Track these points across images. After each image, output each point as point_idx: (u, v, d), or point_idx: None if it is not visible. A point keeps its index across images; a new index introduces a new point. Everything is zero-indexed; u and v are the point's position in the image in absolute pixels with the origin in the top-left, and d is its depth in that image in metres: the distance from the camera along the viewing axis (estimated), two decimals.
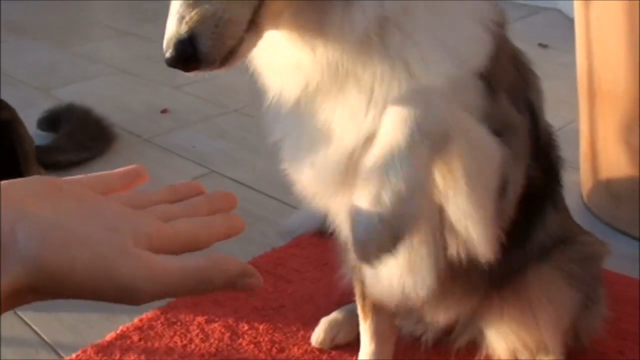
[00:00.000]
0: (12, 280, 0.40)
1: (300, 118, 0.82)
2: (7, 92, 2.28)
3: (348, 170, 0.79)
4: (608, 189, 1.63)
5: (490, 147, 0.78)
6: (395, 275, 0.93)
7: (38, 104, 2.30)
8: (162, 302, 1.36)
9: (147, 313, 1.34)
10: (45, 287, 0.42)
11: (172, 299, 1.37)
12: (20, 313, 1.38)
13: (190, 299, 1.37)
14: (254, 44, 0.73)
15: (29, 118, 1.89)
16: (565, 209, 1.12)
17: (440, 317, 1.08)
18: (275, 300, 1.37)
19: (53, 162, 1.90)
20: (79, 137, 2.04)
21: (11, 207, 0.43)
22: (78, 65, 2.89)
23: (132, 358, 1.22)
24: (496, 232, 0.84)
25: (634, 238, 1.58)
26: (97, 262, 0.42)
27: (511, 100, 0.85)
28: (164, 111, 2.36)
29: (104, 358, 1.22)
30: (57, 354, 1.27)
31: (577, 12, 1.59)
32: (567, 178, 1.80)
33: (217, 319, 1.32)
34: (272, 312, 1.34)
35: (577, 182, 1.79)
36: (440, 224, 0.84)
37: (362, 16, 0.72)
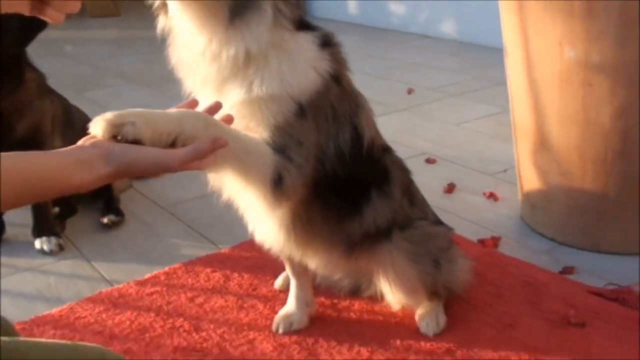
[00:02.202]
0: (108, 170, 0.89)
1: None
2: None
3: None
4: (528, 200, 2.10)
5: (259, 153, 1.22)
6: (253, 226, 1.47)
7: None
8: (186, 260, 1.98)
9: (174, 265, 1.96)
10: (125, 172, 0.92)
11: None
12: (94, 263, 2.04)
13: (206, 260, 1.98)
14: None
15: None
16: (402, 198, 1.50)
17: (312, 263, 1.54)
18: (262, 260, 1.93)
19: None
20: None
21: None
22: (167, 108, 3.62)
23: (157, 289, 1.84)
24: (285, 203, 1.31)
25: (545, 237, 2.05)
26: (151, 162, 0.93)
27: (337, 123, 1.33)
28: None
29: (140, 288, 1.85)
30: (111, 285, 1.91)
31: (506, 59, 2.10)
32: (513, 191, 2.27)
33: (218, 270, 1.92)
34: (256, 269, 1.92)
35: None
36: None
37: (234, 48, 1.20)
